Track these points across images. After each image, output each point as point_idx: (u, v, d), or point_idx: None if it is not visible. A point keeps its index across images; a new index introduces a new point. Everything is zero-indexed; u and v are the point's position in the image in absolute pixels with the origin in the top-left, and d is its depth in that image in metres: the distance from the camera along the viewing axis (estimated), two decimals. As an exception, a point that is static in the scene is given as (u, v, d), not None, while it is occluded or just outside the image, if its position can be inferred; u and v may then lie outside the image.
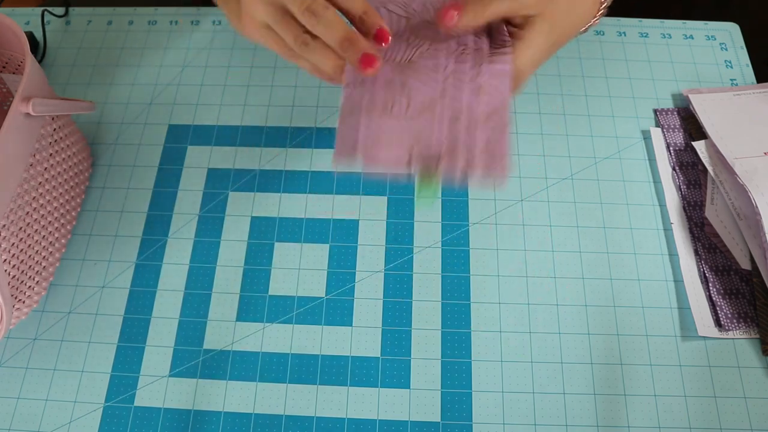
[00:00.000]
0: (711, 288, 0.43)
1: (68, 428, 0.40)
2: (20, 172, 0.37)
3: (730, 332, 0.42)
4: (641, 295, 0.44)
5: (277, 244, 0.46)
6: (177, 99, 0.52)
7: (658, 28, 0.56)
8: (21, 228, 0.38)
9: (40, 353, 0.42)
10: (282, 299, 0.44)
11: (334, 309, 0.44)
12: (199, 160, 0.49)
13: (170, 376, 0.42)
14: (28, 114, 0.37)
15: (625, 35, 0.55)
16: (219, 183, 0.48)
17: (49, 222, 0.42)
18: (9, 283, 0.38)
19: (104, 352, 0.42)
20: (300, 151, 0.50)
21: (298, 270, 0.45)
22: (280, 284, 0.44)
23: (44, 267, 0.42)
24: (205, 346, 0.42)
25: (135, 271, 0.45)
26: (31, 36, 0.54)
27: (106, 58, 0.54)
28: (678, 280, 0.44)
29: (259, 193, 0.48)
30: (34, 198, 0.39)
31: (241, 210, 0.47)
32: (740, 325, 0.42)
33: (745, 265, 0.43)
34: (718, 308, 0.42)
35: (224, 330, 0.43)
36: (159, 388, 0.41)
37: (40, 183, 0.40)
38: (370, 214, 0.47)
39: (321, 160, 0.49)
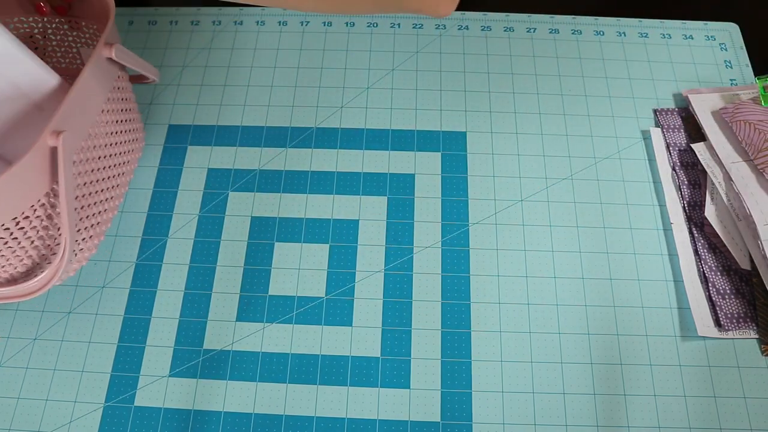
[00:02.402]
0: (711, 288, 0.43)
1: (68, 428, 0.40)
2: (96, 113, 0.39)
3: (730, 332, 0.42)
4: (641, 295, 0.44)
5: (277, 244, 0.46)
6: (177, 99, 0.52)
7: (657, 28, 0.56)
8: (86, 171, 0.39)
9: (40, 353, 0.42)
10: (282, 299, 0.44)
11: (334, 309, 0.44)
12: (199, 160, 0.49)
13: (170, 376, 0.42)
14: (109, 59, 0.39)
15: (625, 35, 0.55)
16: (219, 183, 0.48)
17: (110, 177, 0.43)
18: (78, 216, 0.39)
19: (104, 352, 0.42)
20: (300, 151, 0.50)
21: (298, 270, 0.45)
22: (280, 284, 0.44)
23: (98, 222, 0.43)
24: (205, 346, 0.42)
25: (135, 271, 0.45)
26: (31, 36, 0.54)
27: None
28: (678, 280, 0.44)
29: (259, 193, 0.48)
30: (100, 146, 0.41)
31: (241, 210, 0.47)
32: (740, 325, 0.42)
33: (745, 265, 0.43)
34: (717, 308, 0.42)
35: (224, 330, 0.43)
36: (159, 388, 0.41)
37: (107, 134, 0.41)
38: (370, 214, 0.47)
39: (321, 160, 0.49)
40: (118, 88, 0.42)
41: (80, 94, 0.36)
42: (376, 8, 0.34)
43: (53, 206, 0.36)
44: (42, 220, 0.36)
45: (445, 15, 0.38)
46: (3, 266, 0.37)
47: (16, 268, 0.38)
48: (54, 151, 0.34)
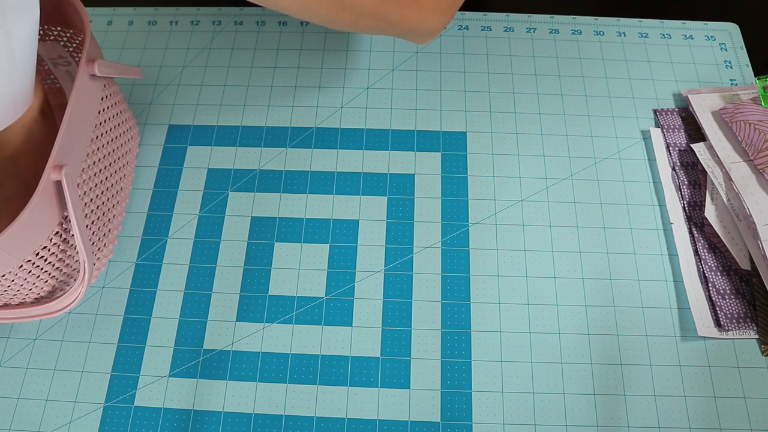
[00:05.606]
0: (711, 288, 0.43)
1: (68, 428, 0.40)
2: (91, 131, 0.39)
3: (730, 332, 0.42)
4: (641, 295, 0.44)
5: (277, 244, 0.46)
6: (177, 99, 0.52)
7: (657, 28, 0.56)
8: (91, 188, 0.40)
9: (40, 353, 0.42)
10: (282, 299, 0.44)
11: (334, 309, 0.44)
12: (199, 160, 0.49)
13: (170, 376, 0.42)
14: (93, 75, 0.39)
15: (624, 35, 0.55)
16: (219, 183, 0.48)
17: (113, 184, 0.43)
18: (90, 239, 0.40)
19: (104, 352, 0.42)
20: (300, 151, 0.50)
21: (298, 270, 0.45)
22: (280, 284, 0.44)
23: (109, 230, 0.43)
24: (205, 346, 0.43)
25: (135, 271, 0.45)
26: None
27: (106, 59, 0.54)
28: (678, 280, 0.44)
29: (259, 193, 0.48)
30: (99, 159, 0.41)
31: (241, 210, 0.47)
32: (740, 326, 0.42)
33: (745, 265, 0.43)
34: (717, 308, 0.42)
35: (224, 330, 0.43)
36: (159, 388, 0.41)
37: (103, 145, 0.41)
38: (370, 214, 0.47)
39: (321, 160, 0.49)
40: (107, 96, 0.42)
41: (73, 123, 0.36)
42: (353, 25, 0.34)
43: (67, 230, 0.37)
44: (59, 246, 0.37)
45: (427, 39, 0.38)
46: (30, 289, 0.38)
47: (42, 288, 0.38)
48: (59, 184, 0.35)
